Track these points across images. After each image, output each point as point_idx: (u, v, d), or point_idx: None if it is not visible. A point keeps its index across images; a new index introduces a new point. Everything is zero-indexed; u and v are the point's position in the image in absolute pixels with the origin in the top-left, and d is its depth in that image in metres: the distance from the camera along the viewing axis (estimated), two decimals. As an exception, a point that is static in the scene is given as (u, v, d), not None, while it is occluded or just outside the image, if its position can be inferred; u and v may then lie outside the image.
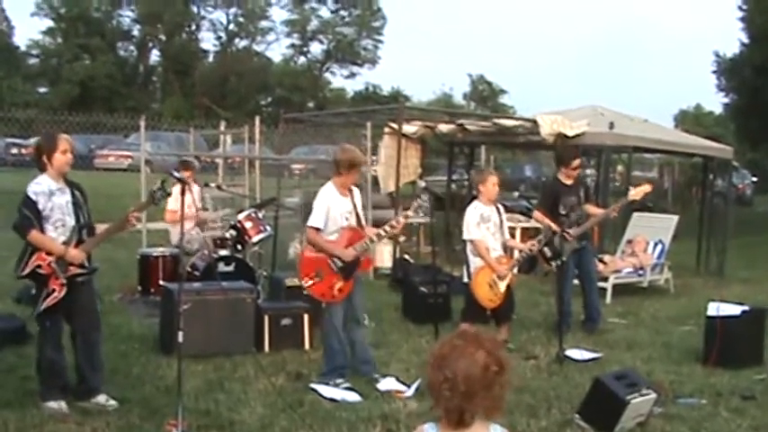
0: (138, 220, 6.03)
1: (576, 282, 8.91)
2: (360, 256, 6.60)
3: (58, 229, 5.60)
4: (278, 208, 10.61)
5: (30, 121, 22.08)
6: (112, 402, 5.76)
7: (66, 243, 5.59)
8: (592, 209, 8.81)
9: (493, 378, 2.56)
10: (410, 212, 6.75)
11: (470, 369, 2.54)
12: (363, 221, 6.83)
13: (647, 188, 8.78)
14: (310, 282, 6.52)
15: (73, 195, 5.72)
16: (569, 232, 8.08)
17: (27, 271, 5.57)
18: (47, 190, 5.58)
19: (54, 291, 5.56)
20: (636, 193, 8.57)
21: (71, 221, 5.65)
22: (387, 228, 6.78)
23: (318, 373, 6.67)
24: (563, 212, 8.57)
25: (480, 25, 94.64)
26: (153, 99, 55.07)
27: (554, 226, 8.11)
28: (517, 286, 8.07)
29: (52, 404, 5.60)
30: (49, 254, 5.54)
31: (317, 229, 6.50)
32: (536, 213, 8.61)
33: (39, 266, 5.54)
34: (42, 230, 5.54)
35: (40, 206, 5.54)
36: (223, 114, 35.51)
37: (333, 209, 6.54)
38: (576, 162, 8.83)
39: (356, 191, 6.81)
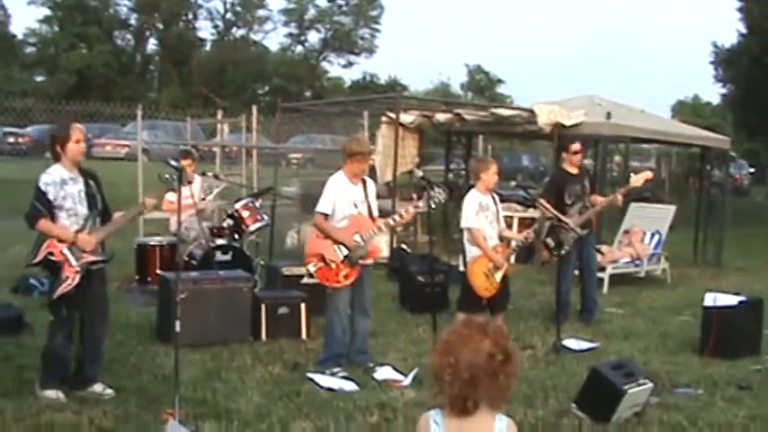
0: (155, 207, 6.11)
1: (575, 272, 8.91)
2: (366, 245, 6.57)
3: (71, 218, 5.60)
4: (275, 197, 10.60)
5: (26, 110, 22.07)
6: (109, 391, 5.76)
7: (78, 232, 5.58)
8: (597, 198, 8.80)
9: (497, 367, 2.55)
10: (421, 204, 6.72)
11: (474, 357, 2.54)
12: (376, 213, 6.75)
13: (647, 174, 8.86)
14: (317, 266, 6.52)
15: (86, 185, 5.71)
16: (566, 221, 8.06)
17: (39, 258, 5.55)
18: (58, 179, 5.58)
19: (68, 278, 5.53)
20: (637, 180, 8.60)
21: (83, 210, 5.65)
22: (396, 217, 6.75)
23: (316, 361, 6.67)
24: (569, 202, 8.56)
25: (478, 15, 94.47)
26: (150, 88, 54.88)
27: (554, 212, 8.09)
28: (514, 276, 8.05)
29: (50, 393, 5.59)
30: (60, 241, 5.53)
31: (325, 215, 6.50)
32: (541, 200, 8.54)
33: (51, 254, 5.52)
34: (54, 219, 5.54)
35: (51, 196, 5.53)
36: (220, 103, 35.52)
37: (341, 196, 6.52)
38: (576, 146, 8.78)
39: (370, 182, 6.78)
